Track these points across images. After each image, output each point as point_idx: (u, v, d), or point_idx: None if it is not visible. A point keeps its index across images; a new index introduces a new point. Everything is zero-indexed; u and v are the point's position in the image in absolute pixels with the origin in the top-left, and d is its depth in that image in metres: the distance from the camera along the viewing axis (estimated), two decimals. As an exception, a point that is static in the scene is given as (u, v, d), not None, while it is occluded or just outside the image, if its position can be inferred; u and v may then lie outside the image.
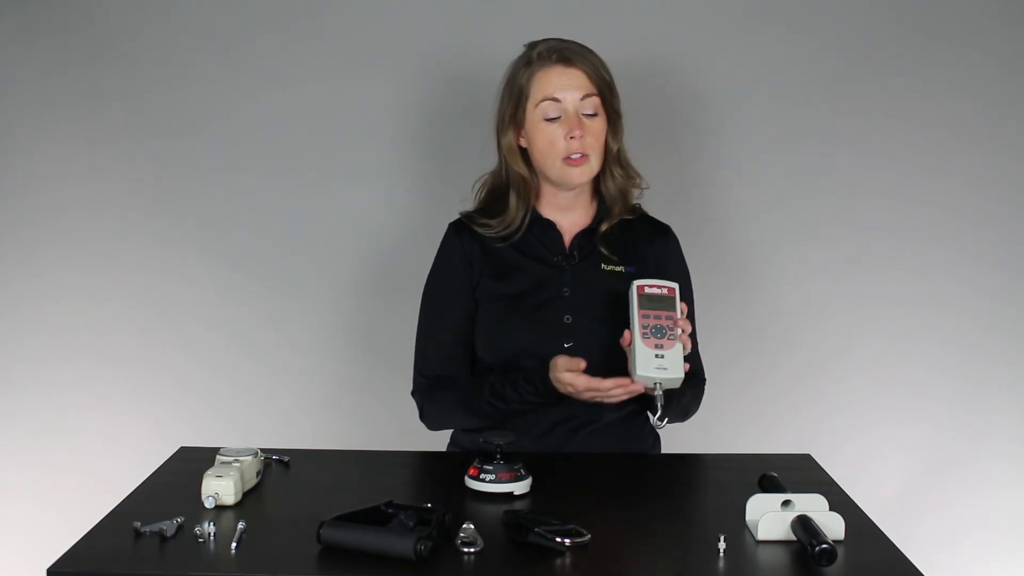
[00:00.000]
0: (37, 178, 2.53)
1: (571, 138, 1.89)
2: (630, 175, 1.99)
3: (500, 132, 1.97)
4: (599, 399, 1.80)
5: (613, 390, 1.76)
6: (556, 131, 1.90)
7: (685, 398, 1.92)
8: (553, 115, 1.90)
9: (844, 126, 2.53)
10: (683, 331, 1.74)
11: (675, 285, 1.78)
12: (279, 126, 2.53)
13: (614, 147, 1.95)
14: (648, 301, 1.75)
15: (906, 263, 2.56)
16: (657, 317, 1.74)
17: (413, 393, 2.01)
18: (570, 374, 1.78)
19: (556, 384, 1.82)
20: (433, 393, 1.98)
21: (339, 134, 2.54)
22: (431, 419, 2.01)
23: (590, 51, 1.92)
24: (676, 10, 2.50)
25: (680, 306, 1.77)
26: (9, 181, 2.53)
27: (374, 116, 2.53)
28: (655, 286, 1.77)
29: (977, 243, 2.56)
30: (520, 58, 1.95)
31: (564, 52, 1.90)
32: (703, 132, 2.55)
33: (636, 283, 1.78)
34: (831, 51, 2.51)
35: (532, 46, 1.94)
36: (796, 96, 2.53)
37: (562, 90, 1.89)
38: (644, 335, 1.72)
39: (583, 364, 1.78)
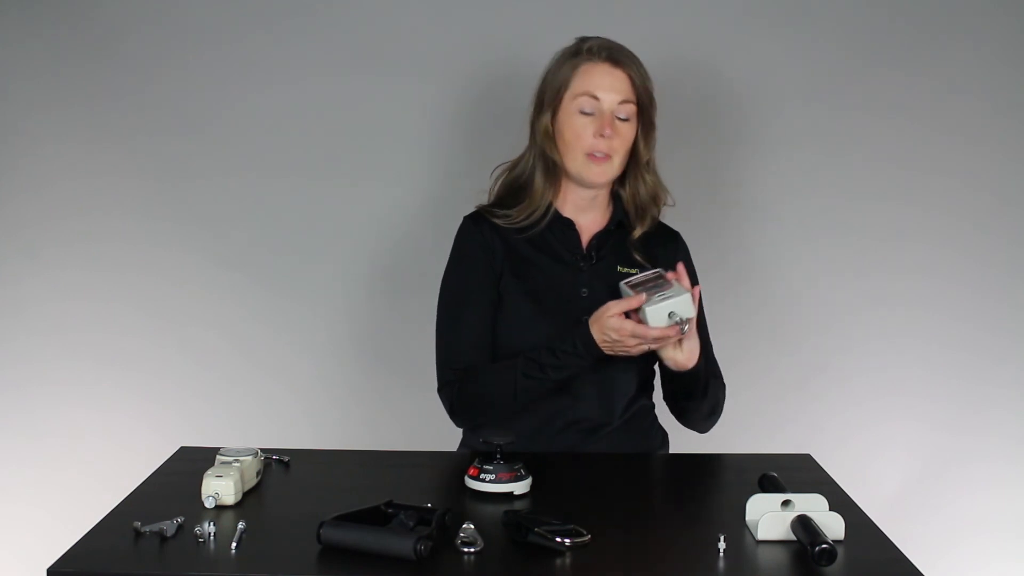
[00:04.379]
0: (38, 178, 2.53)
1: (600, 136, 1.89)
2: (660, 187, 2.00)
3: (536, 116, 1.97)
4: (640, 348, 1.77)
5: (658, 339, 1.76)
6: (587, 126, 1.90)
7: (716, 395, 1.97)
8: (588, 110, 1.91)
9: (843, 127, 2.54)
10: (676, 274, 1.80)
11: (658, 270, 1.83)
12: (282, 126, 2.53)
13: (645, 156, 1.96)
14: (638, 285, 1.81)
15: (906, 263, 2.57)
16: (649, 288, 1.79)
17: (440, 390, 1.97)
18: (616, 319, 1.76)
19: (601, 334, 1.79)
20: (465, 386, 1.93)
21: (345, 134, 2.54)
22: (464, 412, 1.95)
23: (638, 59, 1.94)
24: (681, 11, 2.51)
25: (669, 274, 1.81)
26: (9, 181, 2.53)
27: (382, 116, 2.53)
28: (639, 278, 1.83)
29: (977, 243, 2.56)
30: (568, 48, 1.95)
31: (614, 53, 1.92)
32: (702, 134, 2.55)
33: (622, 284, 1.83)
34: (833, 52, 2.52)
35: (584, 40, 1.94)
36: (798, 97, 2.53)
37: (603, 89, 1.90)
38: (646, 299, 1.75)
39: (640, 301, 1.76)
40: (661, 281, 1.79)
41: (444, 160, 2.55)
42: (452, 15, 2.51)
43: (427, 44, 2.51)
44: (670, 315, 1.73)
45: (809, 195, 2.56)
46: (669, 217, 2.07)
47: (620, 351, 1.80)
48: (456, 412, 1.96)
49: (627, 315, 1.78)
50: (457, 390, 1.93)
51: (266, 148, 2.54)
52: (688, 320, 1.74)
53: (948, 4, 2.50)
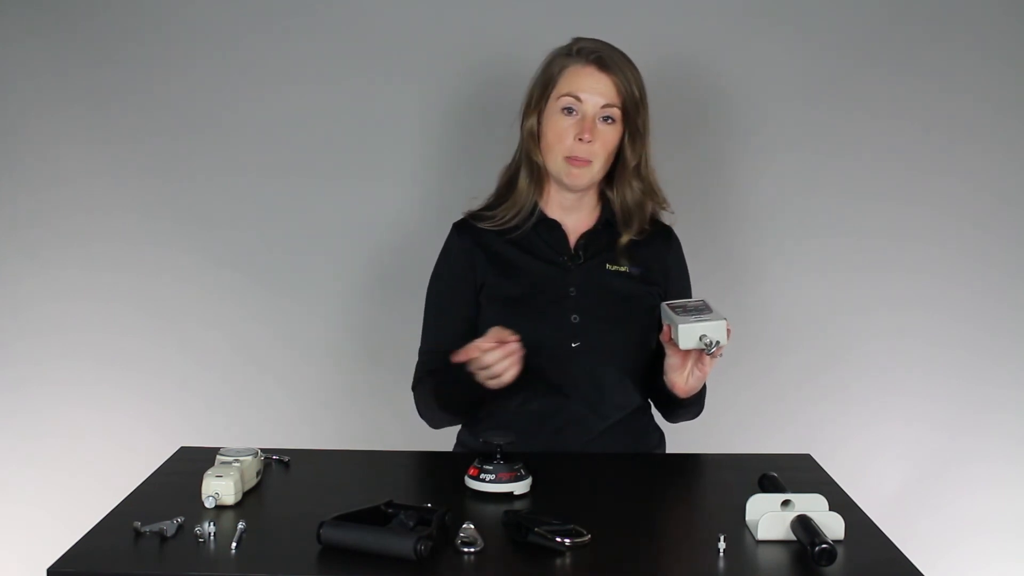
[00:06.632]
0: (38, 178, 2.53)
1: (579, 139, 1.89)
2: (652, 193, 1.98)
3: (523, 116, 1.97)
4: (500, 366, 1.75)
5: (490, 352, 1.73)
6: (568, 128, 1.90)
7: (699, 404, 1.98)
8: (570, 112, 1.90)
9: (844, 127, 2.53)
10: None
11: (703, 299, 1.82)
12: (282, 127, 2.53)
13: (631, 161, 1.94)
14: (679, 307, 1.79)
15: (906, 263, 2.57)
16: (689, 310, 1.78)
17: (412, 388, 2.01)
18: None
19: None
20: (417, 386, 1.99)
21: (344, 134, 2.53)
22: (419, 412, 2.01)
23: (630, 64, 1.92)
24: (679, 11, 2.50)
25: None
26: (9, 181, 2.53)
27: (382, 116, 2.53)
28: (684, 301, 1.82)
29: (977, 243, 2.56)
30: (560, 49, 1.95)
31: (603, 56, 1.90)
32: (702, 134, 2.55)
33: (664, 304, 1.80)
34: (834, 52, 2.51)
35: (577, 41, 1.94)
36: (797, 97, 2.53)
37: (587, 92, 1.89)
38: (681, 315, 1.75)
39: (508, 339, 1.73)
40: (703, 306, 1.79)
41: (443, 161, 2.55)
42: (450, 14, 2.50)
43: (425, 44, 2.50)
44: (701, 337, 1.73)
45: (808, 195, 2.56)
46: (668, 217, 2.07)
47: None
48: (417, 409, 2.01)
49: (659, 330, 1.80)
50: (415, 391, 1.99)
51: (266, 148, 2.54)
52: (717, 343, 1.73)
53: (948, 4, 2.50)
